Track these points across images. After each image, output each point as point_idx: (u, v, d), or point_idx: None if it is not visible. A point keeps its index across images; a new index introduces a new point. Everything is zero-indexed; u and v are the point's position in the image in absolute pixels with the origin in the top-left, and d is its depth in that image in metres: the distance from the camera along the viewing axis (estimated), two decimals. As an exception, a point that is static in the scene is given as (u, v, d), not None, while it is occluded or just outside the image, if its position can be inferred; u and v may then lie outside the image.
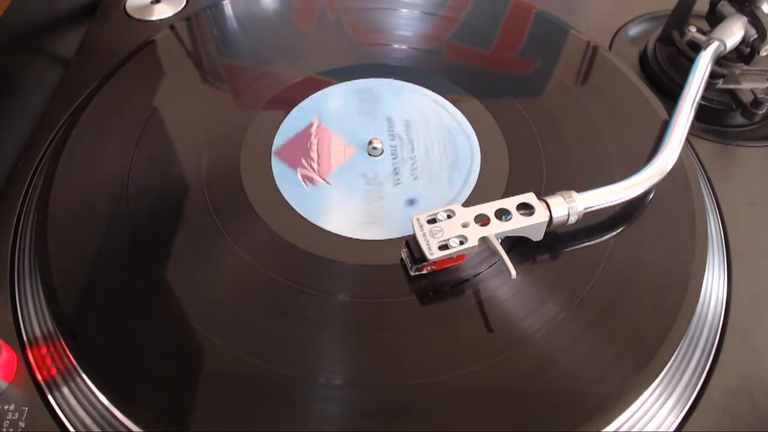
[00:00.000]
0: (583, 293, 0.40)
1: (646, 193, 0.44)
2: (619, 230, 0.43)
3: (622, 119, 0.51)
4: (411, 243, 0.39)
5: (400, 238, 0.43)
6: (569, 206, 0.40)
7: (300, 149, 0.48)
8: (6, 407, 0.37)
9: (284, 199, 0.45)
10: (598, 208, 0.41)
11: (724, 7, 0.54)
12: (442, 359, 0.37)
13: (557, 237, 0.42)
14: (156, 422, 0.34)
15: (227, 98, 0.53)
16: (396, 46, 0.57)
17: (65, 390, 0.37)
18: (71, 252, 0.41)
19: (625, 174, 0.43)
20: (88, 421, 0.36)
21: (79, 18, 0.62)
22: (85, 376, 0.36)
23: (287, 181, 0.46)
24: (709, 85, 0.52)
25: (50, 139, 0.51)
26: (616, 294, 0.40)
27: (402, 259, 0.41)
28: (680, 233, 0.43)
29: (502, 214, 0.40)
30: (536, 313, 0.39)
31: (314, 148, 0.48)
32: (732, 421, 0.38)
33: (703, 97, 0.50)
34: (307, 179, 0.46)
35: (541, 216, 0.40)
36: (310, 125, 0.50)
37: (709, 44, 0.51)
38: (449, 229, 0.39)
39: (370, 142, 0.48)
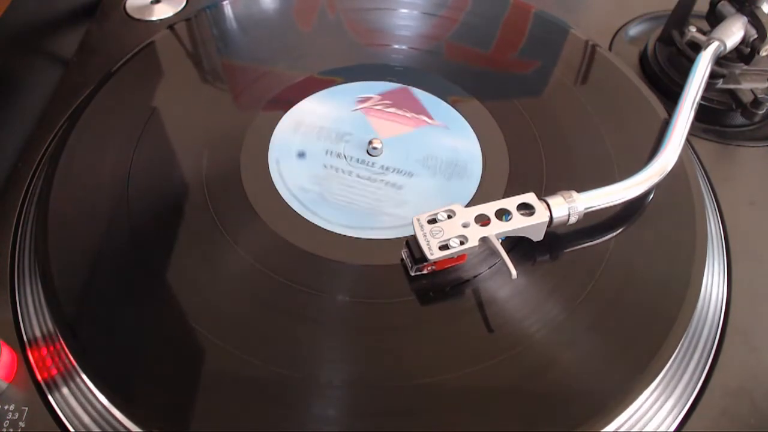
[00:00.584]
0: (583, 293, 0.40)
1: (646, 193, 0.44)
2: (619, 230, 0.43)
3: (622, 119, 0.51)
4: (411, 243, 0.39)
5: (400, 238, 0.43)
6: (569, 206, 0.40)
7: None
8: (6, 407, 0.37)
9: (284, 199, 0.45)
10: (598, 208, 0.41)
11: (724, 7, 0.54)
12: (442, 359, 0.37)
13: (557, 237, 0.42)
14: (156, 422, 0.34)
15: (227, 98, 0.53)
16: (396, 46, 0.57)
17: (65, 390, 0.37)
18: (71, 252, 0.41)
19: (625, 174, 0.43)
20: (88, 421, 0.36)
21: (79, 18, 0.62)
22: (85, 376, 0.36)
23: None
24: (709, 85, 0.52)
25: (50, 139, 0.51)
26: (616, 294, 0.40)
27: (402, 259, 0.41)
28: (680, 233, 0.43)
29: (503, 214, 0.40)
30: (536, 313, 0.39)
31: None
32: (732, 421, 0.38)
33: (703, 97, 0.50)
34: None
35: (541, 216, 0.40)
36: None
37: (709, 44, 0.51)
38: (449, 229, 0.39)
39: (370, 142, 0.48)
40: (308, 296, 0.40)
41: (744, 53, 0.53)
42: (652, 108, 0.51)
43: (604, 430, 0.35)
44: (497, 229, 0.39)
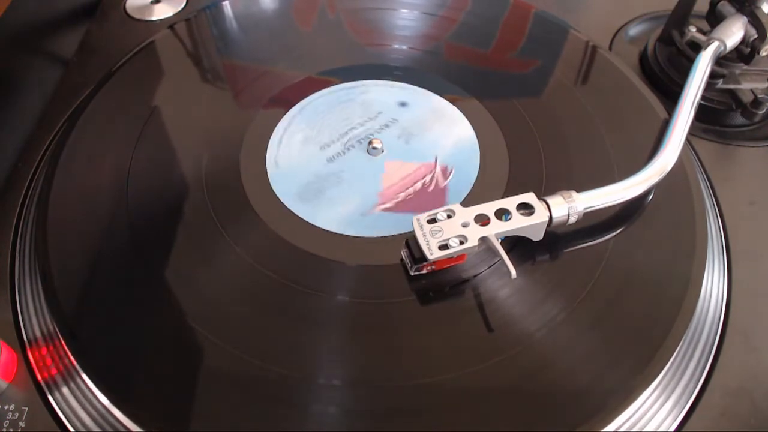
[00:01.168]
0: (583, 293, 0.40)
1: (646, 193, 0.44)
2: (619, 230, 0.43)
3: (622, 119, 0.51)
4: (411, 243, 0.39)
5: (400, 238, 0.43)
6: (569, 206, 0.40)
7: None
8: (6, 407, 0.37)
9: (284, 198, 0.45)
10: (598, 208, 0.41)
11: (724, 7, 0.54)
12: (442, 359, 0.37)
13: (557, 237, 0.42)
14: (156, 422, 0.34)
15: (227, 98, 0.53)
16: (396, 46, 0.57)
17: (65, 390, 0.37)
18: (71, 252, 0.41)
19: (625, 174, 0.43)
20: (88, 421, 0.36)
21: (79, 18, 0.63)
22: (85, 376, 0.36)
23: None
24: (709, 85, 0.52)
25: (50, 139, 0.52)
26: (616, 294, 0.40)
27: (402, 259, 0.41)
28: (680, 233, 0.43)
29: (502, 214, 0.40)
30: (536, 313, 0.39)
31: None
32: (732, 421, 0.38)
33: (703, 97, 0.50)
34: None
35: (541, 216, 0.40)
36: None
37: (709, 44, 0.51)
38: (449, 229, 0.39)
39: (370, 142, 0.48)
40: (308, 296, 0.40)
41: (744, 53, 0.53)
42: (652, 108, 0.51)
43: (604, 430, 0.35)
44: (497, 228, 0.39)
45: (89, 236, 0.42)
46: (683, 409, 0.38)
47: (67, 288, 0.39)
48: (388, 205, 0.45)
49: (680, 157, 0.45)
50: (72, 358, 0.37)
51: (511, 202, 0.40)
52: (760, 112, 0.52)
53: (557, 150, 0.48)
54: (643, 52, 0.60)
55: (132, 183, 0.45)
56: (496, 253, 0.39)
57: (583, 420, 0.35)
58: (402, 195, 0.45)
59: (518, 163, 0.48)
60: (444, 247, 0.38)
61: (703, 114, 0.54)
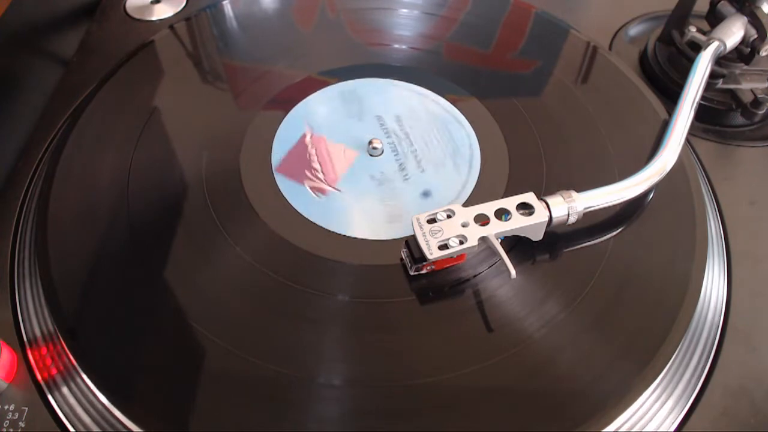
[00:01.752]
0: (583, 293, 0.40)
1: (646, 193, 0.44)
2: (618, 230, 0.43)
3: (622, 119, 0.51)
4: (411, 243, 0.39)
5: (400, 238, 0.43)
6: (569, 206, 0.40)
7: (300, 162, 0.47)
8: (6, 407, 0.37)
9: (284, 198, 0.45)
10: (597, 207, 0.41)
11: (724, 7, 0.54)
12: (442, 359, 0.37)
13: (557, 237, 0.42)
14: (156, 422, 0.34)
15: (227, 98, 0.53)
16: (396, 46, 0.57)
17: (65, 390, 0.37)
18: (71, 252, 0.41)
19: (625, 174, 0.43)
20: (88, 421, 0.36)
21: (79, 18, 0.63)
22: (85, 376, 0.36)
23: (297, 195, 0.45)
24: (709, 85, 0.52)
25: (50, 139, 0.51)
26: (616, 294, 0.40)
27: (402, 259, 0.41)
28: (680, 233, 0.43)
29: (502, 213, 0.40)
30: (536, 313, 0.39)
31: (314, 158, 0.48)
32: (732, 421, 0.38)
33: (703, 97, 0.50)
34: (317, 190, 0.45)
35: (540, 216, 0.40)
36: (303, 137, 0.49)
37: (709, 44, 0.51)
38: (449, 229, 0.39)
39: (370, 142, 0.48)
40: (308, 296, 0.40)
41: (744, 53, 0.53)
42: (652, 108, 0.51)
43: (604, 430, 0.35)
44: (496, 228, 0.39)
45: (89, 236, 0.42)
46: (683, 409, 0.38)
47: (67, 288, 0.39)
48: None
49: (680, 157, 0.45)
50: (72, 358, 0.37)
51: (510, 202, 0.40)
52: (760, 112, 0.52)
53: (557, 150, 0.48)
54: (643, 52, 0.60)
55: (132, 183, 0.45)
56: (495, 253, 0.39)
57: (583, 420, 0.35)
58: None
59: (518, 163, 0.48)
60: (444, 247, 0.38)
61: (703, 114, 0.54)
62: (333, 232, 0.43)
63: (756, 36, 0.52)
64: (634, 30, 0.63)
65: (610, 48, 0.61)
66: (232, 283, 0.40)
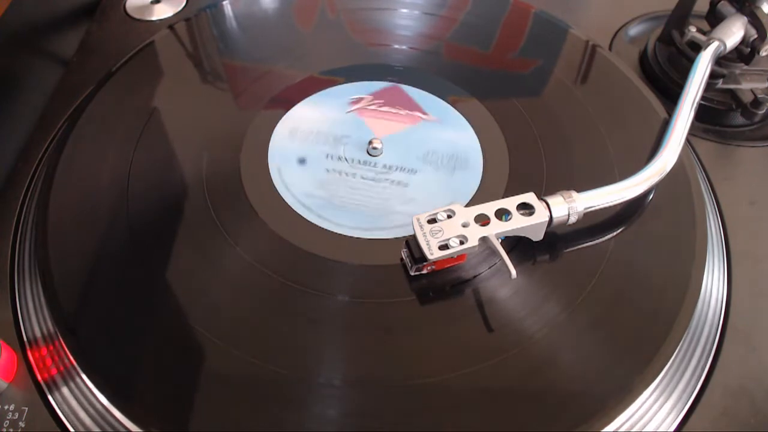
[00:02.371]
0: (583, 293, 0.40)
1: (646, 193, 0.44)
2: (619, 230, 0.43)
3: (622, 119, 0.51)
4: (411, 243, 0.39)
5: (400, 238, 0.43)
6: (569, 206, 0.40)
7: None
8: (6, 407, 0.37)
9: (284, 199, 0.45)
10: (598, 208, 0.41)
11: (724, 7, 0.54)
12: (443, 359, 0.37)
13: (557, 237, 0.42)
14: (156, 422, 0.34)
15: (227, 98, 0.53)
16: (396, 46, 0.57)
17: (65, 390, 0.37)
18: (71, 252, 0.41)
19: (625, 174, 0.43)
20: (88, 421, 0.36)
21: (79, 18, 0.63)
22: (85, 376, 0.36)
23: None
24: (709, 85, 0.52)
25: (50, 139, 0.51)
26: (616, 294, 0.40)
27: (402, 259, 0.41)
28: (680, 233, 0.43)
29: (502, 214, 0.40)
30: (536, 314, 0.39)
31: None
32: (732, 421, 0.38)
33: (703, 97, 0.50)
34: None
35: (541, 216, 0.40)
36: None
37: (709, 44, 0.51)
38: (449, 229, 0.39)
39: (370, 142, 0.48)
40: (308, 296, 0.40)
41: (744, 53, 0.53)
42: (652, 108, 0.51)
43: (604, 430, 0.35)
44: (497, 228, 0.39)
45: (89, 236, 0.42)
46: (683, 409, 0.38)
47: (67, 288, 0.39)
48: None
49: (680, 157, 0.45)
50: (72, 358, 0.37)
51: (511, 202, 0.40)
52: (760, 112, 0.52)
53: (557, 150, 0.48)
54: (643, 52, 0.60)
55: (132, 183, 0.45)
56: (496, 253, 0.39)
57: (583, 420, 0.35)
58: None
59: (518, 163, 0.48)
60: (444, 247, 0.38)
61: (703, 114, 0.54)
62: (333, 232, 0.43)
63: (756, 36, 0.52)
64: (634, 30, 0.63)
65: (610, 48, 0.61)
66: (232, 283, 0.40)
